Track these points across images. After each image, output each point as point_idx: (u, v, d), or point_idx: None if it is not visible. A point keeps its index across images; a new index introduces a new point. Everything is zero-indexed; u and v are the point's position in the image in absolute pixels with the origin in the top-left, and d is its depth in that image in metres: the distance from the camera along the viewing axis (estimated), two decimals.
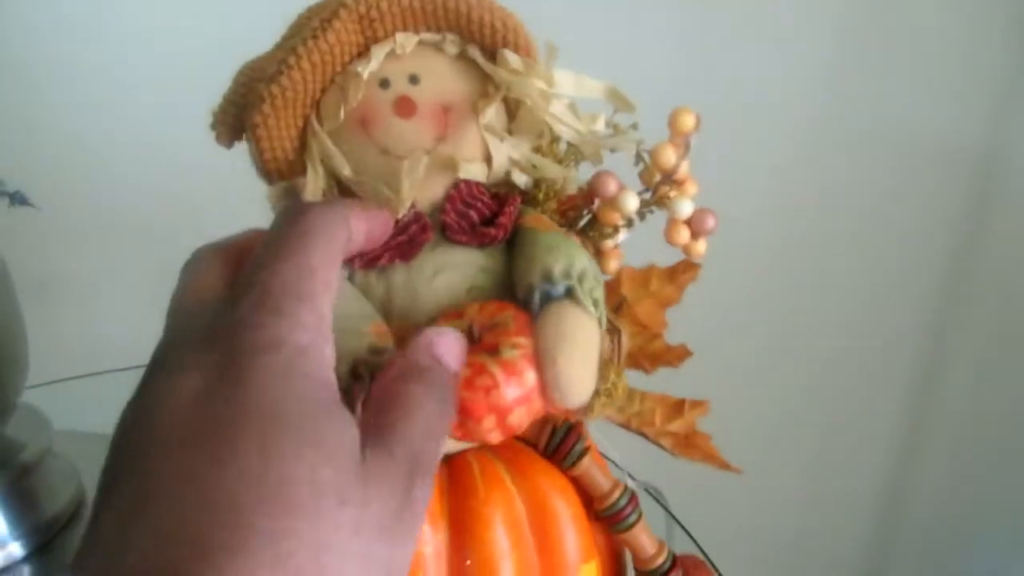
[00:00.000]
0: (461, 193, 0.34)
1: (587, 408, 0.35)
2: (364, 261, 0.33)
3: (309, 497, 0.22)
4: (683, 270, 0.39)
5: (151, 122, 0.89)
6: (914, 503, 1.30)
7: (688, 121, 0.35)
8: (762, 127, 1.00)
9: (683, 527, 0.65)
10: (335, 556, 0.22)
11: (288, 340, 0.24)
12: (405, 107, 0.33)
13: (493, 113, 0.35)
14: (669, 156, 0.35)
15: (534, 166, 0.35)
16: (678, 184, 0.36)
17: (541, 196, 0.36)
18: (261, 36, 0.36)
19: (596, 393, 0.34)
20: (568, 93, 0.36)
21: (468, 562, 0.33)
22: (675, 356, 0.39)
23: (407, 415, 0.26)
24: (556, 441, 0.35)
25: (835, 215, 1.05)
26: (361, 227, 0.30)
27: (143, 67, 0.91)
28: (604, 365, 0.34)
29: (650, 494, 0.61)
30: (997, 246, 1.08)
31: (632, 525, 0.36)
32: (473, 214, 0.34)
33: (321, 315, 0.25)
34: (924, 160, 1.02)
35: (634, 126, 0.37)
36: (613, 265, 0.39)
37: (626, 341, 0.38)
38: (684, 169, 0.36)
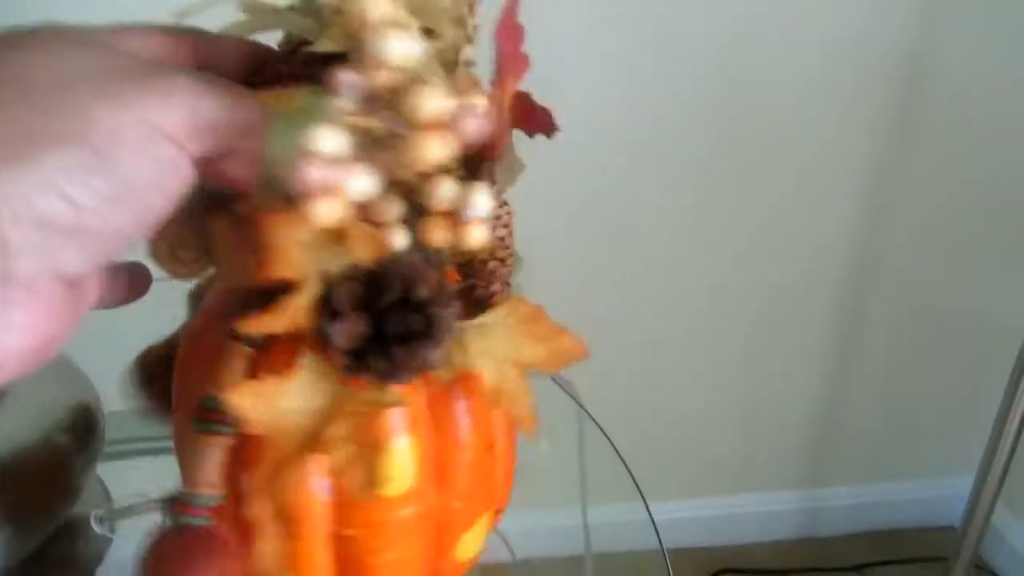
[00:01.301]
0: None
1: None
2: None
3: None
4: None
5: None
6: (847, 410, 1.38)
7: None
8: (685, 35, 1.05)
9: (593, 419, 0.70)
10: None
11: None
12: None
13: None
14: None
15: None
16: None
17: None
18: None
19: None
20: None
21: None
22: None
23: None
24: None
25: (767, 117, 1.11)
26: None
27: None
28: None
29: (558, 384, 0.67)
30: (921, 152, 1.15)
31: None
32: None
33: None
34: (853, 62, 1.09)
35: None
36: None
37: None
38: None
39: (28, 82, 0.25)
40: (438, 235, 0.33)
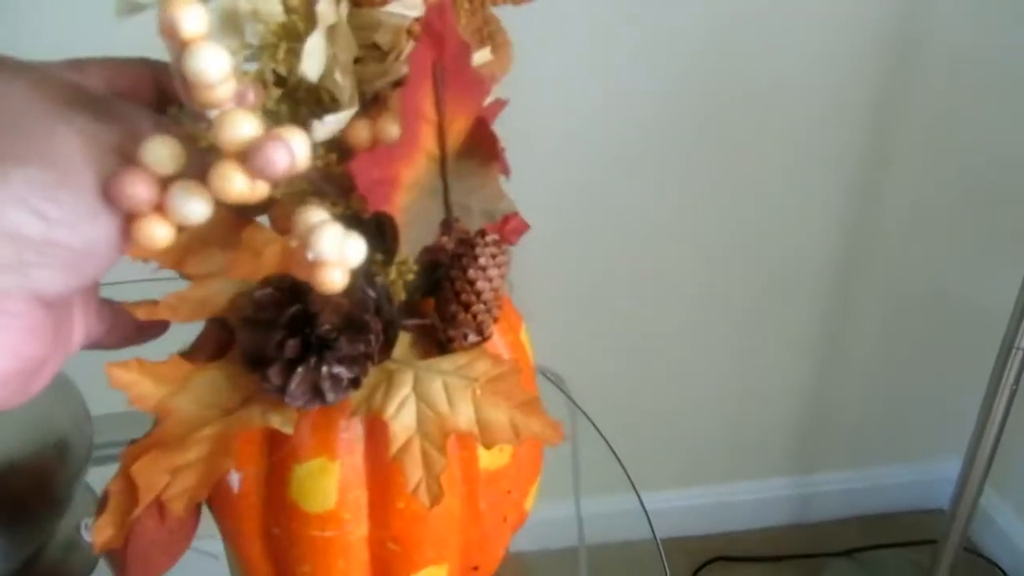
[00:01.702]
0: None
1: None
2: None
3: None
4: None
5: None
6: (836, 397, 1.39)
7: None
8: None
9: (584, 412, 0.70)
10: None
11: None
12: None
13: None
14: None
15: None
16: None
17: None
18: None
19: None
20: None
21: None
22: None
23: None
24: None
25: (754, 110, 1.12)
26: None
27: None
28: None
29: (548, 378, 0.67)
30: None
31: None
32: None
33: None
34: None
35: None
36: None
37: None
38: None
39: None
40: (299, 272, 0.29)
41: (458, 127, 0.32)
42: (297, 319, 0.35)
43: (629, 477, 0.69)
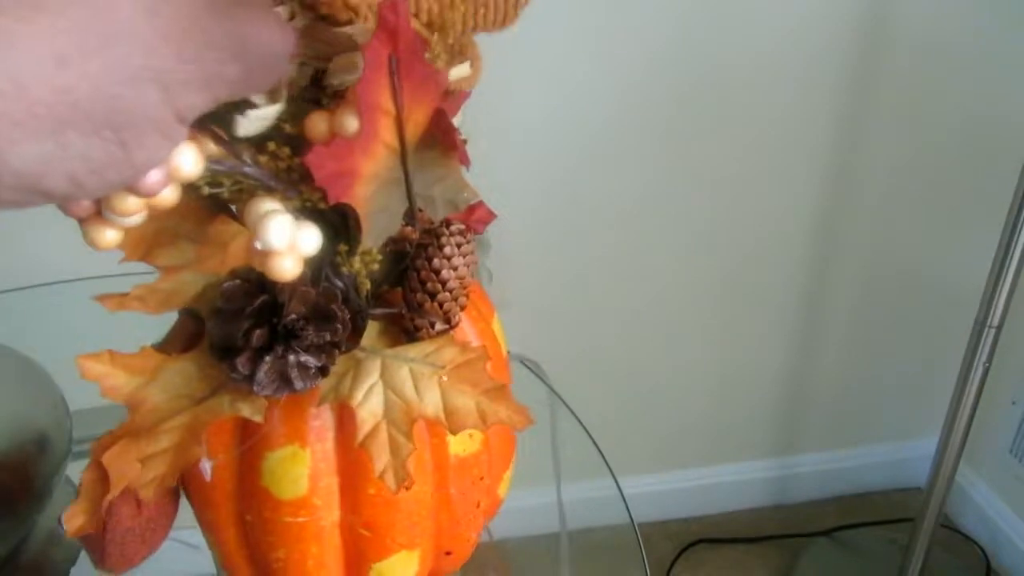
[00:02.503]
0: None
1: None
2: None
3: None
4: None
5: None
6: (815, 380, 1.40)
7: None
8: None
9: (561, 399, 0.71)
10: None
11: None
12: None
13: None
14: None
15: None
16: None
17: None
18: None
19: None
20: None
21: None
22: None
23: None
24: None
25: (729, 88, 1.12)
26: None
27: None
28: None
29: (527, 366, 0.68)
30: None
31: None
32: None
33: None
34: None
35: None
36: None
37: None
38: None
39: None
40: (253, 261, 0.31)
41: (417, 118, 0.32)
42: (264, 309, 0.35)
43: (607, 462, 0.70)
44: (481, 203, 0.39)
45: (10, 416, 0.51)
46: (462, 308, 0.40)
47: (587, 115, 1.09)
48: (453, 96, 0.35)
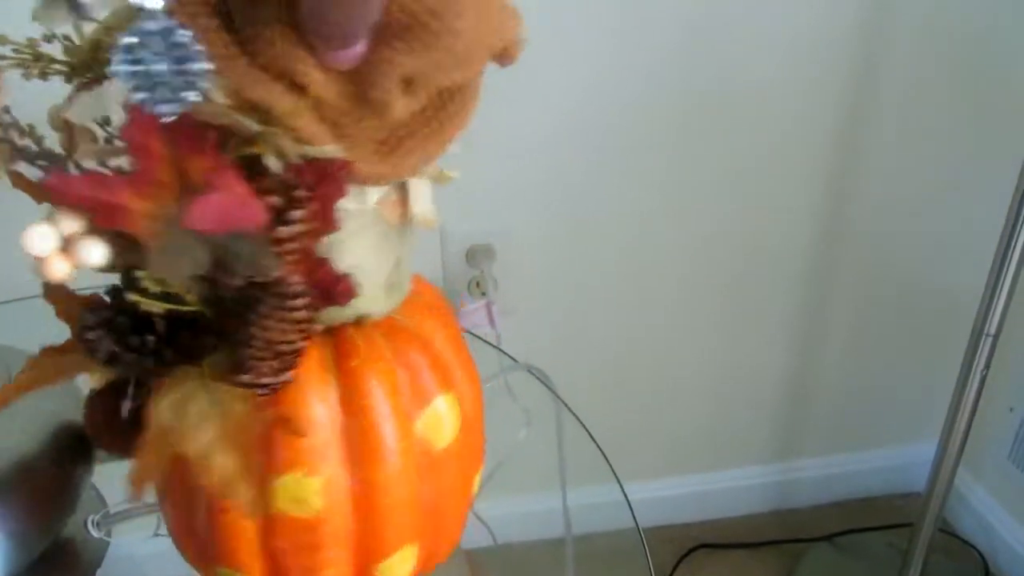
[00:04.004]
0: None
1: None
2: None
3: None
4: None
5: None
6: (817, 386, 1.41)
7: None
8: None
9: (566, 405, 0.72)
10: None
11: None
12: None
13: None
14: None
15: None
16: None
17: None
18: None
19: None
20: None
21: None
22: None
23: None
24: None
25: (734, 92, 1.13)
26: None
27: None
28: None
29: (532, 373, 0.69)
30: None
31: None
32: None
33: None
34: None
35: None
36: None
37: None
38: None
39: None
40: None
41: (198, 168, 0.33)
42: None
43: (612, 468, 0.71)
44: (347, 276, 0.38)
45: (42, 424, 0.53)
46: (278, 371, 0.39)
47: (592, 123, 1.10)
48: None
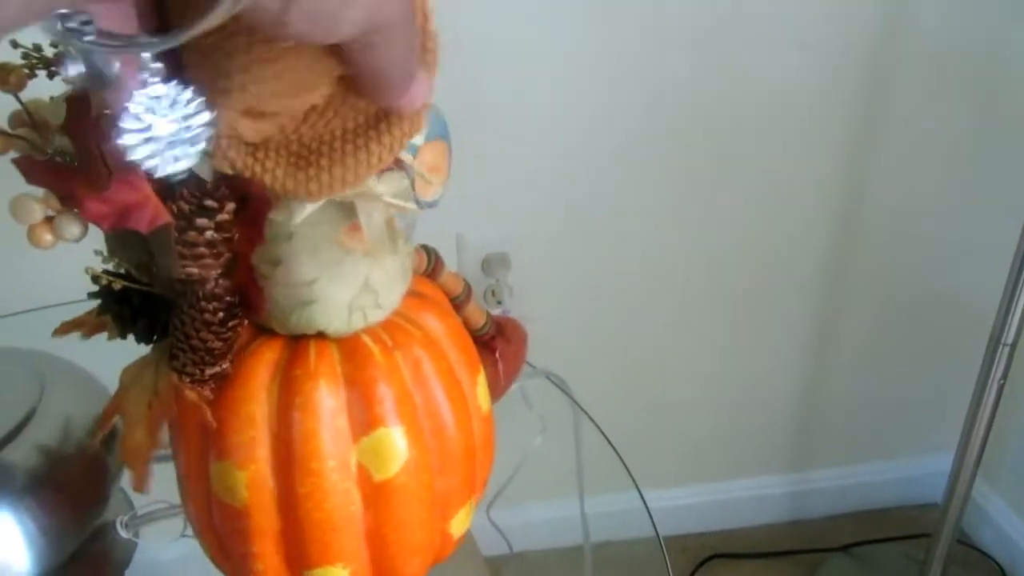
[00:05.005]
0: None
1: None
2: None
3: None
4: None
5: None
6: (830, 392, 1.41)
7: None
8: None
9: (585, 412, 0.73)
10: None
11: None
12: None
13: None
14: None
15: None
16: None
17: None
18: None
19: None
20: None
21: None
22: None
23: None
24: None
25: (746, 102, 1.14)
26: None
27: None
28: None
29: (551, 381, 0.69)
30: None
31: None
32: None
33: None
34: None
35: None
36: None
37: None
38: None
39: None
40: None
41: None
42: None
43: (632, 476, 0.71)
44: (261, 292, 0.41)
45: (74, 424, 0.54)
46: (196, 364, 0.42)
47: (605, 132, 1.11)
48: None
